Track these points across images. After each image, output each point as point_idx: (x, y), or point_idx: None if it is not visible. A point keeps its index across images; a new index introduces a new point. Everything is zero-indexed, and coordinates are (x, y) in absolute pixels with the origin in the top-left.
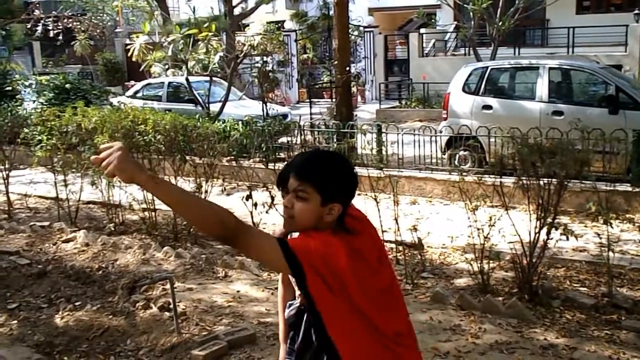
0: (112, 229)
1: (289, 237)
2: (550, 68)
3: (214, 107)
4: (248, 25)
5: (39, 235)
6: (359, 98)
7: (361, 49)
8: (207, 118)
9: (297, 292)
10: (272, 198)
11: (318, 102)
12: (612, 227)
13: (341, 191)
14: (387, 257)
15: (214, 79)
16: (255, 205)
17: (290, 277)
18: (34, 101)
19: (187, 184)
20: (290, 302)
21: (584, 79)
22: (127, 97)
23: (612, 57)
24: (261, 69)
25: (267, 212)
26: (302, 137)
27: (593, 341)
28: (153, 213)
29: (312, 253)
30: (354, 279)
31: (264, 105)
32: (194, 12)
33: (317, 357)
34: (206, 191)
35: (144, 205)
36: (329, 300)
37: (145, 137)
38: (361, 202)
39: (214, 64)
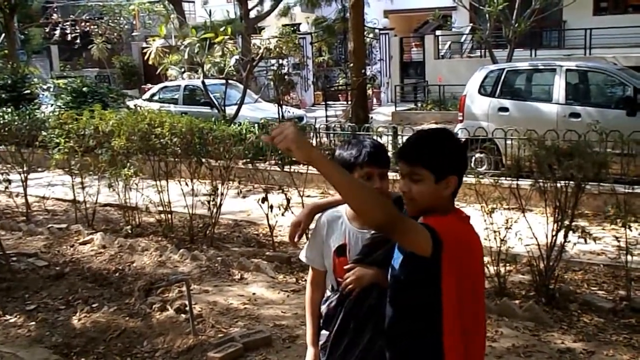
0: (129, 231)
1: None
2: (567, 70)
3: (230, 110)
4: (264, 28)
5: (56, 237)
6: (375, 100)
7: (377, 51)
8: (223, 121)
9: (330, 287)
10: (288, 200)
11: (334, 104)
12: (630, 230)
13: (451, 164)
14: None
15: (229, 81)
16: (271, 207)
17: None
18: (51, 104)
19: (203, 187)
20: (327, 297)
21: (601, 80)
22: (144, 100)
23: (630, 59)
24: (277, 71)
25: (282, 214)
26: (318, 139)
27: (611, 345)
28: (169, 215)
29: (449, 234)
30: (475, 255)
31: (279, 107)
32: (210, 15)
33: (349, 350)
34: (222, 193)
35: (161, 208)
36: (451, 279)
37: (161, 140)
38: None
39: (230, 67)
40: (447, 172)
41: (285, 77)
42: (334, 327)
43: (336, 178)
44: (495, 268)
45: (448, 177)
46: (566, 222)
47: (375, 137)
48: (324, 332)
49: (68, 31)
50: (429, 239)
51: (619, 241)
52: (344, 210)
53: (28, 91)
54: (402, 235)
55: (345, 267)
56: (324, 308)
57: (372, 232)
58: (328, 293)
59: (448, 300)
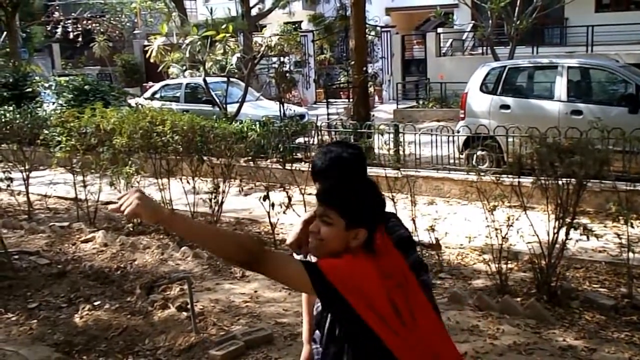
0: (131, 229)
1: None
2: (569, 67)
3: (232, 108)
4: (265, 26)
5: (58, 235)
6: (376, 98)
7: (378, 49)
8: (224, 119)
9: None
10: (289, 198)
11: (335, 102)
12: (632, 227)
13: (363, 216)
14: (414, 279)
15: (231, 79)
16: (273, 205)
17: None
18: (53, 102)
19: (204, 184)
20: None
21: (603, 77)
22: (146, 98)
23: (633, 56)
24: (278, 69)
25: (284, 212)
26: (320, 137)
27: (612, 343)
28: None
29: (342, 273)
30: (382, 298)
31: (281, 105)
32: (211, 13)
33: (340, 354)
34: (224, 191)
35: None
36: (362, 303)
37: (163, 138)
38: None
39: (232, 64)
40: (358, 223)
41: (287, 74)
42: (323, 331)
43: (187, 235)
44: (496, 266)
45: (358, 229)
46: (568, 220)
47: (376, 135)
48: (318, 333)
49: (70, 29)
50: (304, 274)
51: (620, 238)
52: None
53: (30, 89)
54: (271, 272)
55: None
56: (314, 310)
57: None
58: None
59: (372, 320)
